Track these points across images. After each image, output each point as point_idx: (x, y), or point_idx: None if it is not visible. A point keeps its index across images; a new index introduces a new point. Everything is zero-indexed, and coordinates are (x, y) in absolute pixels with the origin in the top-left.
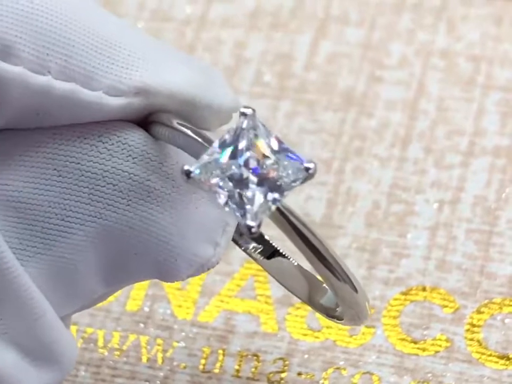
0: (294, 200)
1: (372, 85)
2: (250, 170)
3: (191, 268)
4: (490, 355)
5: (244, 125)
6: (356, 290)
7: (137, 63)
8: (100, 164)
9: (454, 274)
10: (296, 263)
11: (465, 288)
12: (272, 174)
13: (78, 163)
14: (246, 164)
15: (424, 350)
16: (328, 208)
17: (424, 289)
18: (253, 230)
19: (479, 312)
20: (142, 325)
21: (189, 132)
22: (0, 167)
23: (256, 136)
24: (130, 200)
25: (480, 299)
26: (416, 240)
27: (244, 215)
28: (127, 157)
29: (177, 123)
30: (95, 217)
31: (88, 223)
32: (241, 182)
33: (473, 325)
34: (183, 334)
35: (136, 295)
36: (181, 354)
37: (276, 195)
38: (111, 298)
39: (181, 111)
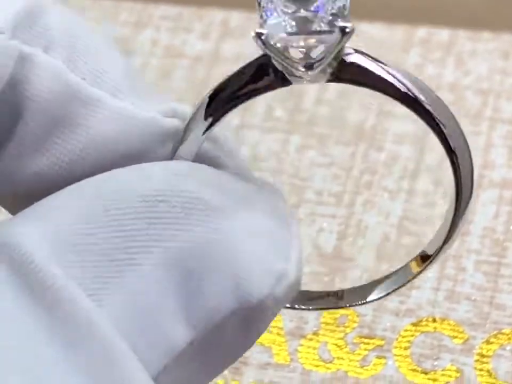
0: (306, 233)
1: (381, 119)
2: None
3: (271, 278)
4: None
5: None
6: None
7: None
8: (149, 186)
9: (464, 305)
10: None
11: (474, 319)
12: None
13: (124, 191)
14: None
15: (434, 380)
16: (339, 240)
17: (434, 320)
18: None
19: (488, 342)
20: None
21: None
22: (45, 200)
23: None
24: (186, 213)
25: (489, 330)
26: (426, 272)
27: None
28: (175, 175)
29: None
30: (157, 240)
31: (152, 248)
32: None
33: (483, 355)
34: None
35: None
36: None
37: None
38: None
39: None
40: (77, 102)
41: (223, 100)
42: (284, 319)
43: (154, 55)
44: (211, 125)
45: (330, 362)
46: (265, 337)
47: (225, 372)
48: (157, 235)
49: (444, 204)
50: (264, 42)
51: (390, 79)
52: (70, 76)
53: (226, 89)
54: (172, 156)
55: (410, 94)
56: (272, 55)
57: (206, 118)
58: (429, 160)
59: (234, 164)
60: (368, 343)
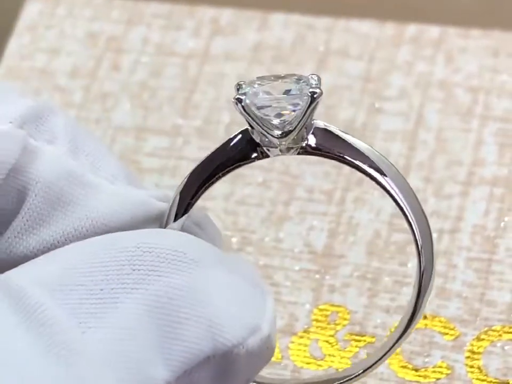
0: (296, 231)
1: (372, 116)
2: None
3: (243, 329)
4: (490, 382)
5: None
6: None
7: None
8: (132, 240)
9: (454, 302)
10: None
11: (465, 316)
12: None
13: (112, 244)
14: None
15: (425, 377)
16: (330, 238)
17: (425, 317)
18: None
19: (479, 339)
20: None
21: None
22: (44, 255)
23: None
24: (169, 263)
25: (480, 326)
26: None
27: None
28: (155, 234)
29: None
30: (139, 283)
31: (134, 290)
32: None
33: (474, 352)
34: None
35: None
36: None
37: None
38: None
39: None
40: (77, 185)
41: (203, 179)
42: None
43: (146, 53)
44: (188, 205)
45: (322, 359)
46: None
47: None
48: (140, 279)
49: (435, 201)
50: (244, 107)
51: (360, 150)
52: (72, 163)
53: (206, 170)
54: None
55: (378, 172)
56: (250, 120)
57: (182, 207)
58: (419, 157)
59: (216, 245)
60: (359, 340)
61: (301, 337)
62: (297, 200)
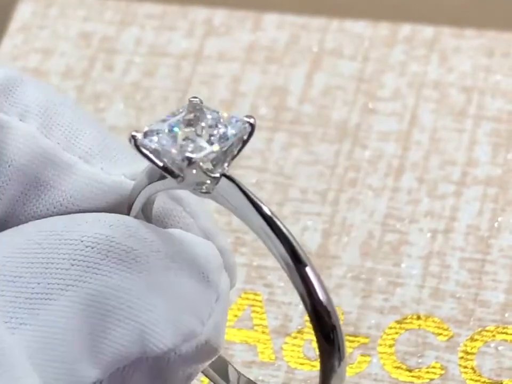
0: (290, 231)
1: (365, 116)
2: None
3: (176, 336)
4: (484, 382)
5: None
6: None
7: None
8: (79, 232)
9: (448, 303)
10: None
11: (459, 316)
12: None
13: (58, 234)
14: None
15: (419, 377)
16: (324, 238)
17: (418, 317)
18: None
19: (472, 339)
20: None
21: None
22: None
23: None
24: (109, 261)
25: (473, 327)
26: (411, 269)
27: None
28: (103, 224)
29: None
30: (76, 280)
31: (69, 287)
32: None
33: (467, 353)
34: None
35: None
36: None
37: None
38: None
39: None
40: (50, 166)
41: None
42: (269, 317)
43: (139, 53)
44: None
45: (316, 360)
46: (249, 336)
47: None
48: (78, 275)
49: (429, 201)
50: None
51: (259, 207)
52: (45, 141)
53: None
54: (128, 213)
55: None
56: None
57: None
58: (413, 157)
59: (199, 224)
60: (353, 341)
61: (295, 337)
62: (291, 201)
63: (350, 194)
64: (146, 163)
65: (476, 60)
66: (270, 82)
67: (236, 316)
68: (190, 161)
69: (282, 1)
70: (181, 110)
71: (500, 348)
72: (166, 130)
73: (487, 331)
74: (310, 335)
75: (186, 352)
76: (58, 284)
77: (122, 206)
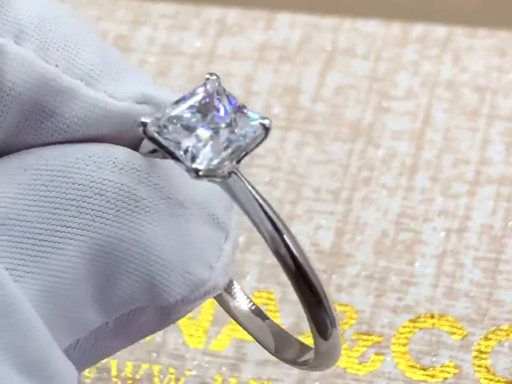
0: (303, 230)
1: (379, 115)
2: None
3: (185, 287)
4: (498, 381)
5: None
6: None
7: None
8: (87, 175)
9: (462, 302)
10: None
11: (473, 315)
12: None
13: (65, 176)
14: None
15: (433, 376)
16: (337, 237)
17: (432, 316)
18: (200, 172)
19: (486, 339)
20: (154, 354)
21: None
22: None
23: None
24: (118, 210)
25: (487, 326)
26: (424, 268)
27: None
28: (113, 167)
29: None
30: (85, 229)
31: (77, 236)
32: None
33: (481, 352)
34: (195, 362)
35: None
36: (193, 382)
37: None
38: None
39: None
40: (50, 92)
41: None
42: (282, 316)
43: (152, 53)
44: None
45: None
46: None
47: (223, 369)
48: (85, 224)
49: (442, 200)
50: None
51: (263, 206)
52: (43, 65)
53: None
54: (140, 141)
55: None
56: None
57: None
58: (426, 156)
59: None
60: (366, 340)
61: (308, 336)
62: (304, 200)
63: (363, 193)
64: (152, 84)
65: (488, 60)
66: (283, 82)
67: None
68: (197, 174)
69: (295, 0)
70: (198, 91)
71: None
72: (179, 125)
73: (501, 330)
74: None
75: (194, 299)
76: (66, 232)
77: (130, 131)
